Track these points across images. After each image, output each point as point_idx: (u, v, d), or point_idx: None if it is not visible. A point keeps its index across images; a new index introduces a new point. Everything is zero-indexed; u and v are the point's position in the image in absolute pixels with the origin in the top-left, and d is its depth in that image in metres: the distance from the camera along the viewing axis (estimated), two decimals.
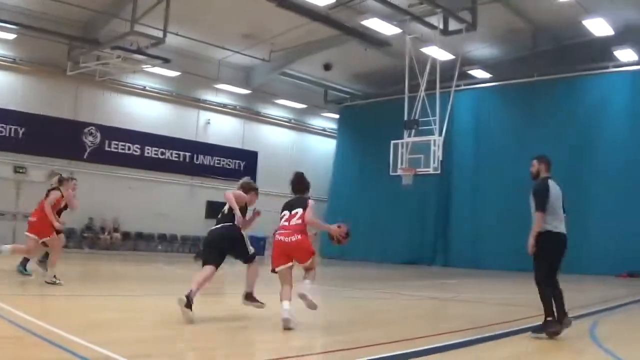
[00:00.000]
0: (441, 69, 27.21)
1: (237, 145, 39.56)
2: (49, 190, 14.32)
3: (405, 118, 27.45)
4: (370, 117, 39.71)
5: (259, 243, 37.14)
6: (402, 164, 27.14)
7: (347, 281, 17.29)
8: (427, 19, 27.13)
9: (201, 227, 36.11)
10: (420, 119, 27.02)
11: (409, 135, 27.25)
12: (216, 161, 38.13)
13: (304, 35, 31.28)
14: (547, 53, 32.52)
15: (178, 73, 33.82)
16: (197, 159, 37.19)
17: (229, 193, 9.67)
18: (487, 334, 8.99)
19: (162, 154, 35.36)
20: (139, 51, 27.63)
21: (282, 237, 9.08)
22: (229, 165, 38.63)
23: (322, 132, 45.20)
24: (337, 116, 43.85)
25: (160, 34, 26.24)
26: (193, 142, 37.22)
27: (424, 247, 36.21)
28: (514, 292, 19.29)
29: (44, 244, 13.68)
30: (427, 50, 28.22)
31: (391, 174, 28.00)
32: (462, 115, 35.40)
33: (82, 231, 31.89)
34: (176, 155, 36.16)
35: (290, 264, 9.07)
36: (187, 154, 36.74)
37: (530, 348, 8.41)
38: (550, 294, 8.83)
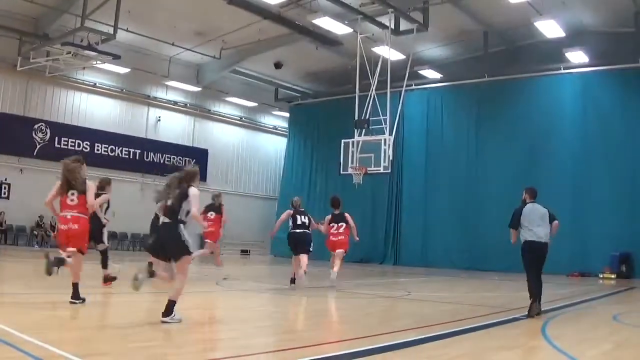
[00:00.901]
0: (392, 69, 27.29)
1: (187, 142, 39.40)
2: (218, 205, 18.20)
3: (356, 117, 27.46)
4: (321, 115, 39.83)
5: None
6: (352, 163, 27.15)
7: (298, 280, 17.32)
8: (379, 19, 27.25)
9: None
10: (370, 119, 27.04)
11: (360, 135, 27.25)
12: (166, 158, 37.85)
13: (255, 33, 31.19)
14: (498, 54, 32.77)
15: (128, 70, 33.58)
16: (147, 156, 36.88)
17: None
18: (437, 333, 9.08)
19: (112, 151, 35.02)
20: (89, 47, 27.34)
21: (333, 237, 17.52)
22: (179, 163, 38.29)
23: (273, 130, 45.18)
24: (287, 114, 43.77)
25: (110, 30, 26.01)
26: (143, 139, 36.96)
27: (375, 246, 36.23)
28: (464, 290, 19.45)
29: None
30: (378, 49, 28.31)
31: (342, 172, 28.03)
32: (412, 115, 35.62)
33: (32, 229, 31.54)
34: (126, 153, 35.84)
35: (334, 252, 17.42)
36: (138, 151, 36.45)
37: (482, 347, 8.51)
38: (532, 284, 12.02)
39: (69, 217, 10.40)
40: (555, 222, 12.40)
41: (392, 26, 27.39)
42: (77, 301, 10.26)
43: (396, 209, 36.41)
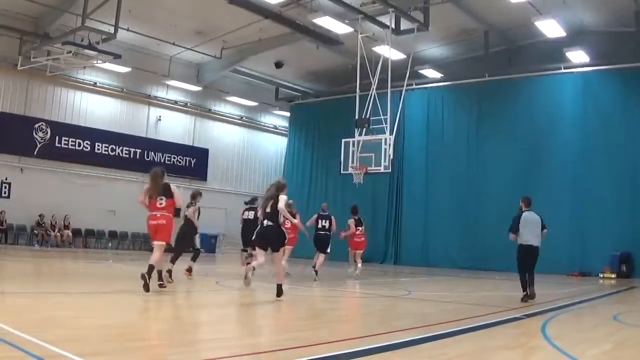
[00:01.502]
0: (393, 68, 27.21)
1: (187, 142, 39.41)
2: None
3: (357, 117, 27.40)
4: (322, 115, 39.80)
5: (211, 241, 37.06)
6: (353, 162, 27.07)
7: (298, 280, 17.32)
8: (379, 18, 27.20)
9: None
10: (371, 118, 26.96)
11: (360, 134, 27.17)
12: (167, 158, 37.82)
13: (255, 32, 31.22)
14: (499, 53, 32.81)
15: (129, 69, 33.58)
16: (147, 155, 36.83)
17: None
18: (437, 332, 9.06)
19: (113, 150, 35.03)
20: (89, 46, 27.33)
21: (357, 239, 21.68)
22: (179, 162, 38.43)
23: (274, 130, 45.16)
24: (288, 114, 43.74)
25: (111, 29, 26.01)
26: (144, 138, 36.94)
27: (376, 245, 36.09)
28: (465, 290, 19.44)
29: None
30: (379, 49, 28.24)
31: (342, 172, 27.96)
32: (413, 114, 35.63)
33: (33, 228, 31.51)
34: (127, 152, 35.84)
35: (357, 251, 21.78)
36: (138, 150, 36.43)
37: (482, 346, 8.49)
38: (523, 280, 14.64)
39: (158, 215, 12.93)
40: (545, 230, 15.03)
41: (393, 26, 27.34)
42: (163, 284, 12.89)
43: (397, 209, 36.39)
